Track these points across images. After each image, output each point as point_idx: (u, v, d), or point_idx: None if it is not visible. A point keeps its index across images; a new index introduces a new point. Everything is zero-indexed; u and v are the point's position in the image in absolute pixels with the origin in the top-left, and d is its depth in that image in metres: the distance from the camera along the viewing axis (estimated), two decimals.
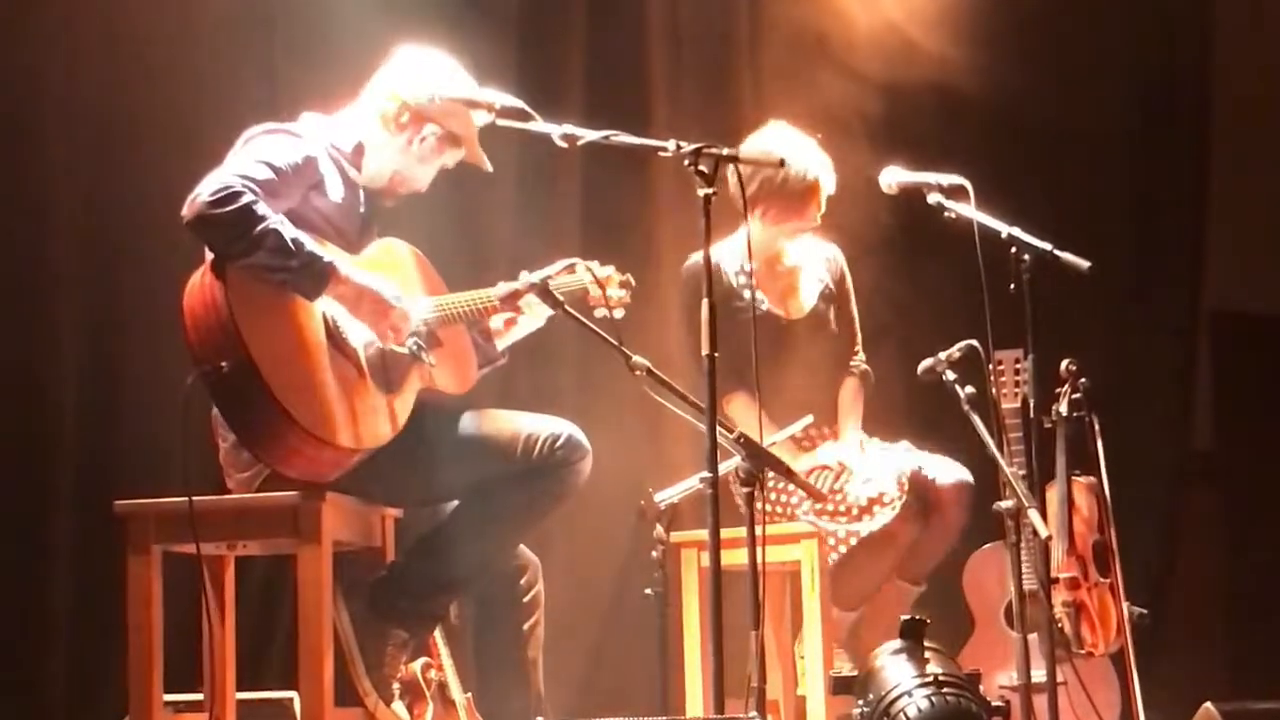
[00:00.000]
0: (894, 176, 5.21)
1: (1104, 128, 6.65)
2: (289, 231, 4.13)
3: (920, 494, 5.22)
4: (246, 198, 4.09)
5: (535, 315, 4.65)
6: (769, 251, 5.43)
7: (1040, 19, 6.63)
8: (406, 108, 4.50)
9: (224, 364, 4.04)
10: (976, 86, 6.53)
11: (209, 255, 4.16)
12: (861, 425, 5.45)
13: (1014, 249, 4.74)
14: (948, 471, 5.25)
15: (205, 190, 4.09)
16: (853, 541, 5.10)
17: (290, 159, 4.28)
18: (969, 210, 4.90)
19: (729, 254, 5.36)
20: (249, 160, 4.22)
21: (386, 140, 4.52)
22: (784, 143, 5.32)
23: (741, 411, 5.23)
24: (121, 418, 5.58)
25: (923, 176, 5.08)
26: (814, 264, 5.50)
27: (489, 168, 4.60)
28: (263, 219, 4.10)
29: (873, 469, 5.22)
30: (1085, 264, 4.77)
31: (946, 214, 5.00)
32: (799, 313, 5.43)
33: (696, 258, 5.22)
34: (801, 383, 5.35)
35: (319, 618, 4.18)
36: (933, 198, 4.99)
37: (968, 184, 4.89)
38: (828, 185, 5.34)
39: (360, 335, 4.31)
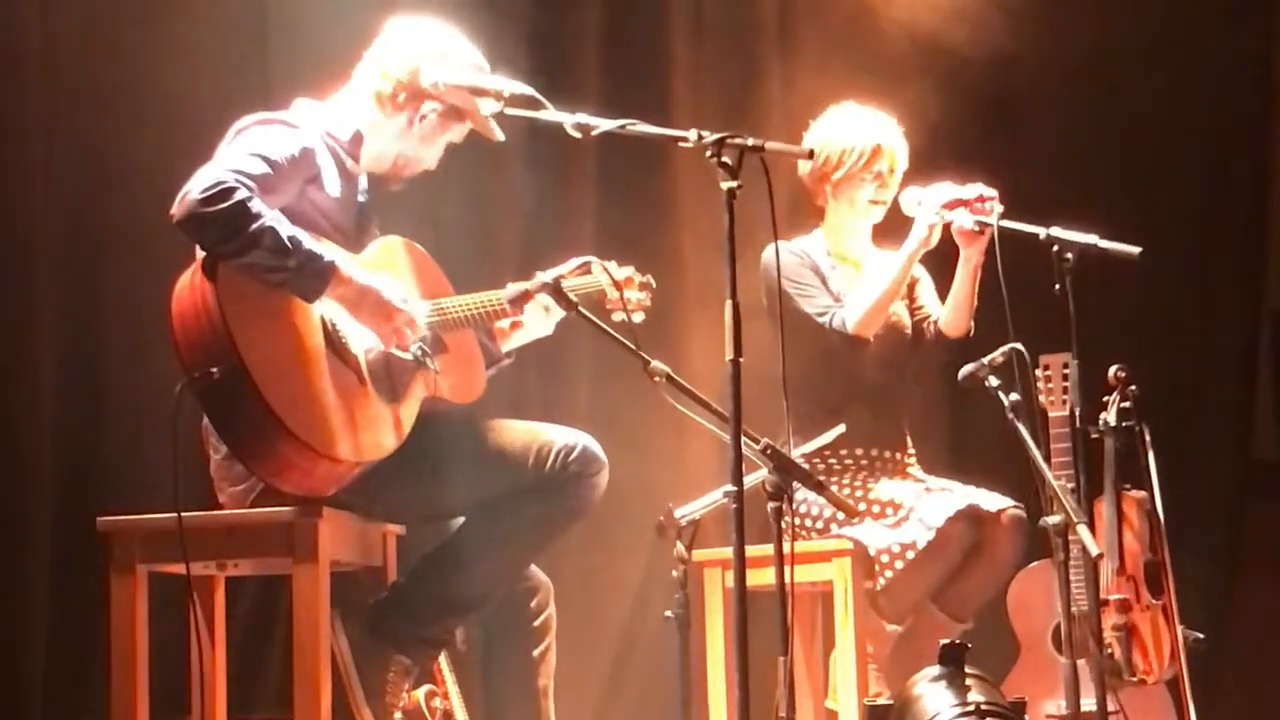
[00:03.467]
0: (914, 197, 5.25)
1: (1160, 122, 6.63)
2: (285, 229, 4.14)
3: (973, 521, 5.20)
4: (240, 194, 4.10)
5: (544, 322, 4.65)
6: (851, 254, 5.48)
7: (1095, 7, 6.60)
8: (402, 86, 4.50)
9: (215, 370, 4.04)
10: (1023, 75, 6.52)
11: (199, 255, 4.17)
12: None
13: (1055, 248, 4.76)
14: (996, 501, 5.24)
15: (196, 186, 4.10)
16: (909, 555, 5.10)
17: (286, 151, 4.28)
18: (990, 218, 4.97)
19: (816, 249, 5.46)
20: (242, 153, 4.22)
21: (385, 122, 4.52)
22: (841, 122, 5.42)
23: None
24: (105, 428, 5.58)
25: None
26: None
27: (500, 137, 4.60)
28: (258, 216, 4.10)
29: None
30: (1135, 250, 4.79)
31: (972, 228, 5.05)
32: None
33: (782, 245, 5.31)
34: (874, 391, 5.36)
35: (315, 642, 4.19)
36: (955, 212, 5.07)
37: (993, 193, 4.96)
38: (884, 146, 5.36)
39: (361, 340, 4.31)
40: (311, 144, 4.38)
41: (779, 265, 5.00)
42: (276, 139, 4.30)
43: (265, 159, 4.22)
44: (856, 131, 5.40)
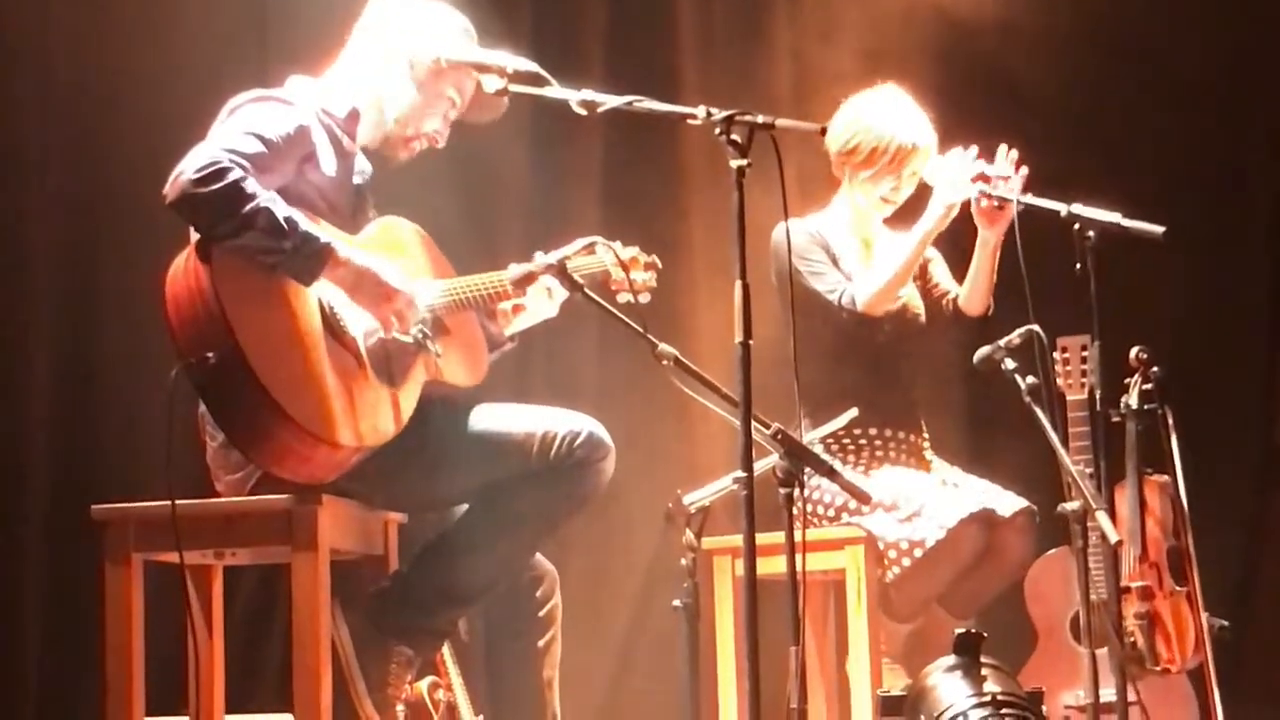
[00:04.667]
0: (937, 167, 5.24)
1: (1181, 95, 6.61)
2: (281, 210, 4.13)
3: (986, 525, 5.20)
4: (235, 174, 4.09)
5: (548, 304, 4.65)
6: (863, 232, 5.47)
7: None
8: (395, 46, 4.50)
9: (210, 355, 4.04)
10: (1039, 47, 6.49)
11: (194, 237, 4.16)
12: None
13: (1076, 225, 4.75)
14: (1009, 502, 5.23)
15: (189, 166, 4.09)
16: (917, 554, 5.09)
17: (281, 129, 4.28)
18: (1012, 193, 4.94)
19: (830, 227, 5.45)
20: (236, 132, 4.21)
21: (379, 82, 4.50)
22: (880, 111, 5.40)
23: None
24: (98, 415, 5.59)
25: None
26: None
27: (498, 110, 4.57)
28: (252, 197, 4.10)
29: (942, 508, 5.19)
30: (1159, 229, 4.78)
31: (991, 202, 5.04)
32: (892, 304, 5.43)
33: (795, 224, 5.29)
34: (889, 374, 5.37)
35: (315, 633, 4.19)
36: (975, 187, 5.04)
37: (1014, 174, 4.94)
38: (919, 149, 5.34)
39: (360, 323, 4.31)
40: (307, 121, 4.37)
41: (789, 244, 5.00)
42: (271, 117, 4.29)
43: (260, 137, 4.21)
44: (893, 127, 5.35)
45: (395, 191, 4.68)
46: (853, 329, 5.29)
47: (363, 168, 4.58)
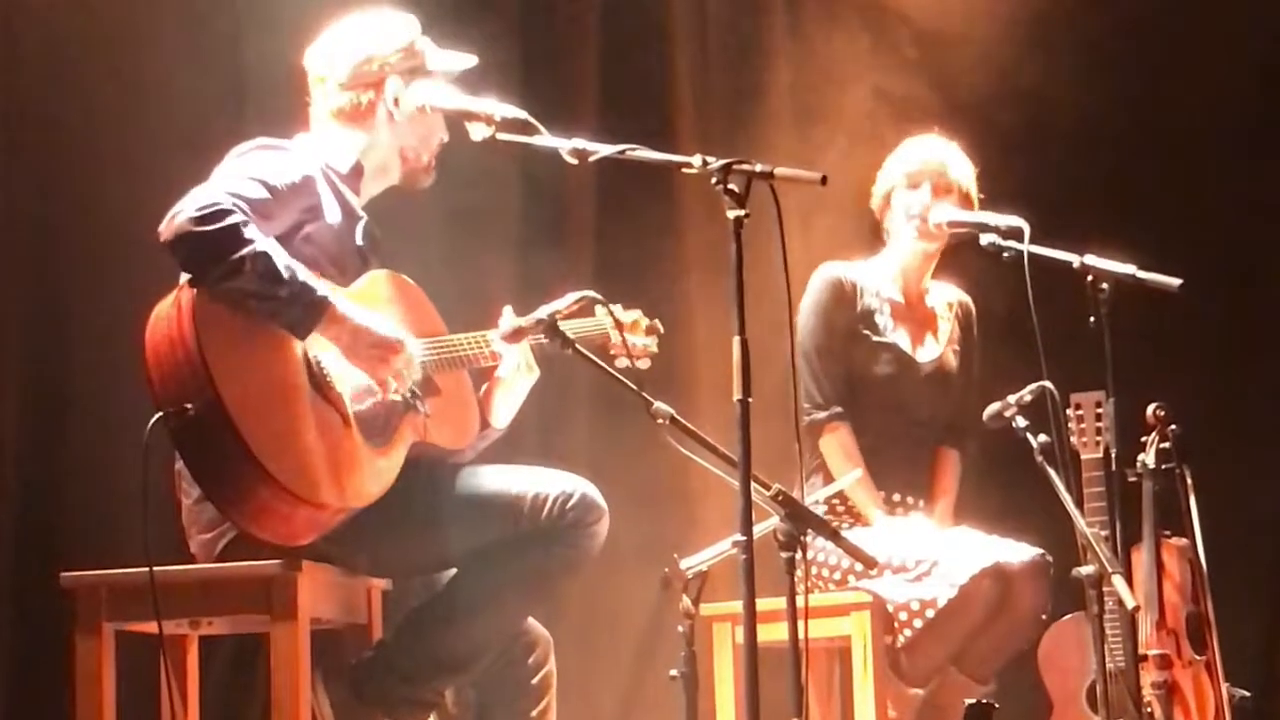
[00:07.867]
0: (944, 215, 5.26)
1: (1200, 136, 6.62)
2: (281, 258, 4.13)
3: (998, 579, 5.19)
4: (235, 217, 4.09)
5: (526, 377, 4.63)
6: (916, 288, 5.51)
7: (1133, 27, 6.60)
8: (356, 84, 4.51)
9: (189, 406, 4.03)
10: (1052, 96, 6.51)
11: (178, 284, 4.15)
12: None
13: (1090, 277, 4.75)
14: (1019, 552, 5.22)
15: (189, 206, 4.09)
16: (929, 614, 5.08)
17: (286, 178, 4.29)
18: (1024, 246, 4.94)
19: (872, 275, 5.49)
20: (241, 176, 4.22)
21: (367, 133, 4.51)
22: (901, 154, 5.50)
23: (835, 447, 5.33)
24: (69, 471, 5.57)
25: (976, 216, 5.17)
26: (945, 310, 5.55)
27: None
28: (250, 241, 4.09)
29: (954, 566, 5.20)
30: (1176, 282, 4.78)
31: (1005, 255, 5.04)
32: (927, 357, 5.45)
33: (828, 270, 5.40)
34: (910, 432, 5.38)
35: (295, 705, 4.16)
36: (986, 239, 5.05)
37: (1025, 225, 4.94)
38: (917, 162, 5.41)
39: (347, 380, 4.30)
40: (312, 172, 4.39)
41: (802, 292, 5.05)
42: (277, 164, 4.31)
43: (264, 183, 4.23)
44: (894, 158, 5.48)
45: (388, 245, 4.67)
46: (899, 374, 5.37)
47: (369, 230, 4.56)
